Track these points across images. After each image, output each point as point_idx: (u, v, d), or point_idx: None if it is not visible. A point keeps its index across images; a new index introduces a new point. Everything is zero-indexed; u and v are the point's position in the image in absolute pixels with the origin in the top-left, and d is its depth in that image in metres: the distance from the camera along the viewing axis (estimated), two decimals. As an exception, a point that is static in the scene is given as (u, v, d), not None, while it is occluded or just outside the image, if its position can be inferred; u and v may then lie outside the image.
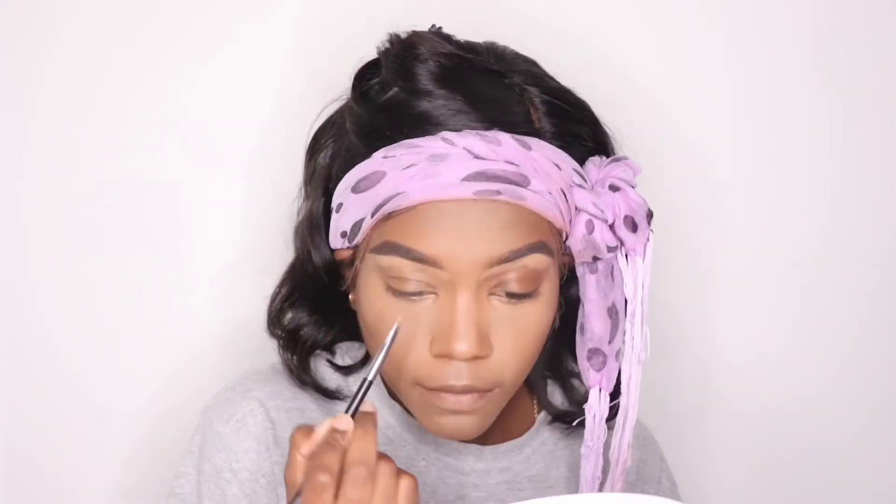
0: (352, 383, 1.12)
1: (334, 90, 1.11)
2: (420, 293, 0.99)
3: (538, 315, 1.02)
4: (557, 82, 1.06)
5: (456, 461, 1.11)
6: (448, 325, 0.98)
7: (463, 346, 0.98)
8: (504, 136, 0.97)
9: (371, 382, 0.92)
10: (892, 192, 1.38)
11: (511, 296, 1.00)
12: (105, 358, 1.34)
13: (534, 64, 1.06)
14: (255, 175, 1.31)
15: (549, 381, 1.17)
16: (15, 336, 1.33)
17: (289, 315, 1.13)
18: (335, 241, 1.06)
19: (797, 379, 1.40)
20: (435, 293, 0.99)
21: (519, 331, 1.01)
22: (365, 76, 1.05)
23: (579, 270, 1.05)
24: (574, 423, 1.12)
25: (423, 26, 1.08)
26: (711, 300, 1.39)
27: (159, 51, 1.32)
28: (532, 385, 1.15)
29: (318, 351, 1.13)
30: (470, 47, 1.05)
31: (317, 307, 1.12)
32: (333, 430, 0.89)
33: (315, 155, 1.09)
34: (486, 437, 1.12)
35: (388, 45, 1.05)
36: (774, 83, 1.37)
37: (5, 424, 1.33)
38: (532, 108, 1.02)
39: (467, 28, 1.09)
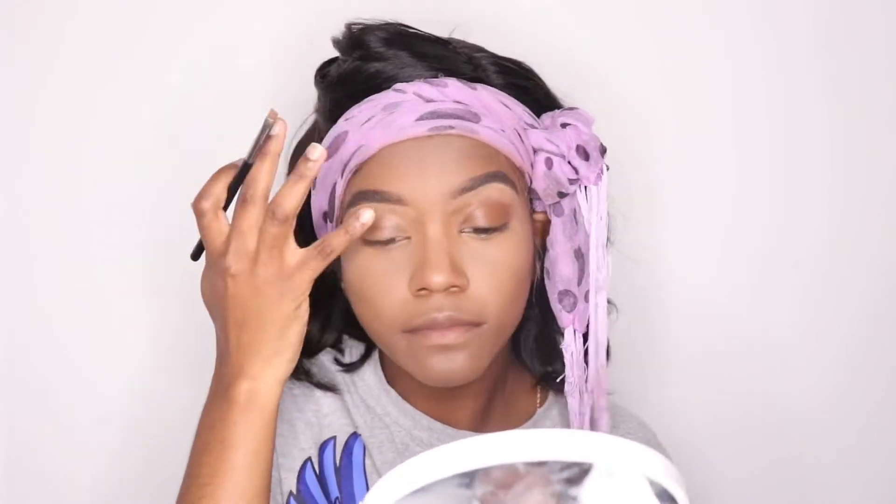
0: (351, 380, 1.14)
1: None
2: (393, 239, 1.03)
3: (511, 250, 1.04)
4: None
5: None
6: (422, 259, 1.01)
7: (437, 276, 1.00)
8: (450, 80, 1.04)
9: (249, 165, 0.95)
10: (892, 192, 1.38)
11: (480, 231, 1.03)
12: (107, 358, 1.35)
13: (483, 48, 1.10)
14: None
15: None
16: (17, 335, 1.34)
17: None
18: (319, 228, 1.09)
19: (797, 378, 1.40)
20: (408, 237, 1.02)
21: (493, 265, 1.03)
22: (324, 68, 1.11)
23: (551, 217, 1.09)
24: (558, 379, 1.13)
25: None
26: (711, 300, 1.39)
27: (161, 53, 1.33)
28: (524, 357, 1.16)
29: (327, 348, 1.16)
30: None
31: (316, 310, 1.13)
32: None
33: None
34: (484, 424, 1.13)
35: (340, 33, 1.10)
36: (775, 83, 1.37)
37: (6, 423, 1.33)
38: (479, 67, 1.07)
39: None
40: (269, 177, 0.95)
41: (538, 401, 1.17)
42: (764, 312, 1.39)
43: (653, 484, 0.69)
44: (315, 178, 0.97)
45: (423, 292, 1.01)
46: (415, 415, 1.12)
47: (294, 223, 0.96)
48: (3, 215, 1.33)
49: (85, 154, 1.33)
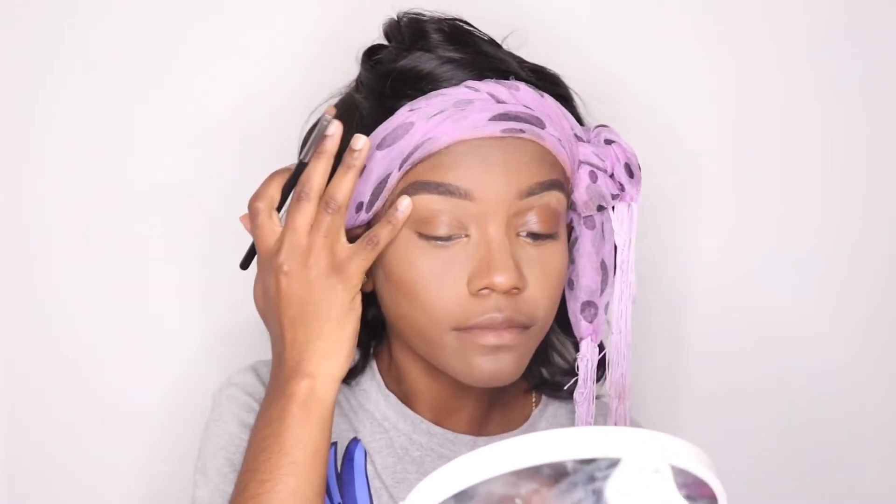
0: (348, 387, 1.13)
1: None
2: (450, 237, 1.02)
3: (560, 257, 1.05)
4: None
5: (449, 451, 1.11)
6: (486, 258, 1.01)
7: (503, 276, 1.00)
8: (521, 84, 1.04)
9: (304, 164, 0.99)
10: (892, 192, 1.39)
11: (534, 236, 1.03)
12: (108, 358, 1.34)
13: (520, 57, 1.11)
14: (256, 178, 1.31)
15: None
16: (17, 335, 1.33)
17: None
18: (349, 219, 1.05)
19: (797, 379, 1.40)
20: (466, 235, 1.02)
21: (545, 270, 1.04)
22: (374, 52, 1.09)
23: (577, 230, 1.10)
24: (566, 387, 1.14)
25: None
26: (710, 300, 1.40)
27: (161, 53, 1.33)
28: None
29: None
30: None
31: None
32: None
33: None
34: (482, 428, 1.13)
35: (394, 20, 1.09)
36: (774, 83, 1.37)
37: (6, 423, 1.33)
38: (528, 73, 1.07)
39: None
40: (324, 175, 0.97)
41: (533, 402, 1.18)
42: (763, 313, 1.39)
43: (690, 485, 0.69)
44: (363, 167, 0.99)
45: (484, 291, 1.01)
46: (413, 419, 1.11)
47: (346, 215, 0.99)
48: (3, 215, 1.32)
49: (85, 154, 1.33)
